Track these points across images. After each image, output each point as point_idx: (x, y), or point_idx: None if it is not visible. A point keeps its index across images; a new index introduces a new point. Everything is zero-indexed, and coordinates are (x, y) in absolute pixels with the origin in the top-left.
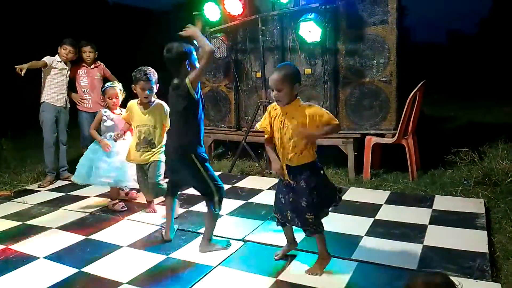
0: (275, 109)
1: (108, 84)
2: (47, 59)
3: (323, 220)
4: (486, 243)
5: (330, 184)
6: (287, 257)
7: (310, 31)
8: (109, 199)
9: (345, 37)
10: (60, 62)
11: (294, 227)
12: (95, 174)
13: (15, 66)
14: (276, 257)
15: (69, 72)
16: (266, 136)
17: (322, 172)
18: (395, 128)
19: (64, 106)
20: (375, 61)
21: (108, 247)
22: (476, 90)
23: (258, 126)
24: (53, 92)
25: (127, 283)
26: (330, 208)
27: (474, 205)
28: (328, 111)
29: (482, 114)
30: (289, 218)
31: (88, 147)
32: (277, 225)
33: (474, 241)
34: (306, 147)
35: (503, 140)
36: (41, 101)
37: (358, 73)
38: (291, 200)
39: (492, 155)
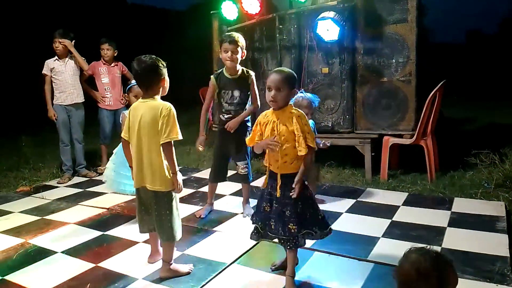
0: (266, 116)
1: (134, 81)
2: (45, 66)
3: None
4: (507, 247)
5: (318, 210)
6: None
7: (328, 29)
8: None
9: (363, 35)
10: (57, 60)
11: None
12: (123, 180)
13: (49, 116)
14: (272, 267)
15: (74, 65)
16: (250, 144)
17: (309, 191)
18: (413, 128)
19: (74, 103)
20: (394, 60)
21: (125, 243)
22: (497, 91)
23: (247, 143)
24: (58, 92)
25: (143, 278)
26: (312, 235)
27: (494, 208)
28: (311, 131)
29: (503, 116)
30: (272, 227)
31: (114, 151)
32: (251, 237)
33: (494, 244)
34: (297, 157)
35: None
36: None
37: (376, 72)
38: (274, 208)
39: None
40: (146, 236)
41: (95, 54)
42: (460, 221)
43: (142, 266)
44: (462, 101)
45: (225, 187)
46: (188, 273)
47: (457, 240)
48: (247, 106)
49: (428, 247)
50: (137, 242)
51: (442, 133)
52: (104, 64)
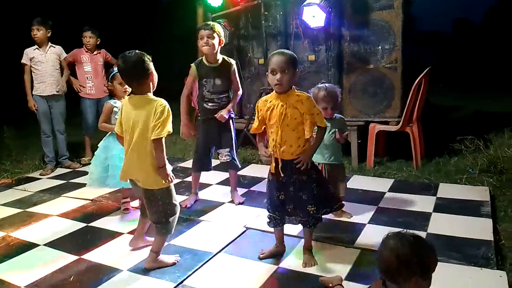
0: (269, 101)
1: (116, 68)
2: (24, 56)
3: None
4: (491, 231)
5: (329, 187)
6: (274, 257)
7: (314, 16)
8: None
9: (349, 22)
10: (37, 49)
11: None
12: (112, 176)
13: (29, 107)
14: (261, 255)
15: (54, 54)
16: (256, 131)
17: (319, 171)
18: (399, 115)
19: (54, 94)
20: (380, 47)
21: (109, 234)
22: (483, 80)
23: (252, 130)
24: (37, 83)
25: (127, 270)
26: (327, 213)
27: (479, 193)
28: (320, 112)
29: (488, 104)
30: (289, 211)
31: (99, 145)
32: (270, 225)
33: (479, 229)
34: (309, 139)
35: (510, 128)
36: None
37: (363, 59)
38: (290, 194)
39: (498, 143)
40: (131, 227)
41: (78, 42)
42: (445, 206)
43: (127, 257)
44: (449, 89)
45: (212, 176)
46: (174, 264)
47: (442, 225)
48: (230, 93)
49: (405, 231)
50: (122, 233)
51: (428, 121)
52: (86, 52)
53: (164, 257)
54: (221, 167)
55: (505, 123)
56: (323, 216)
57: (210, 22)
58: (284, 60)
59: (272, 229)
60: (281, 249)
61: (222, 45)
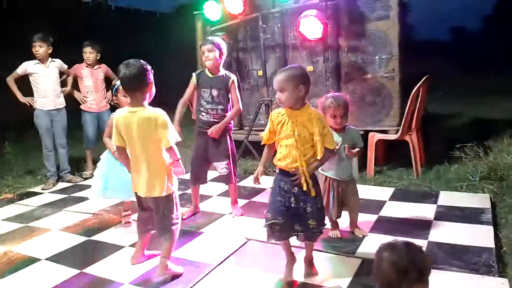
0: (282, 115)
1: (119, 81)
2: (21, 67)
3: None
4: (492, 238)
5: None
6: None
7: (311, 28)
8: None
9: (346, 33)
10: (38, 64)
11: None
12: (112, 188)
13: (24, 102)
14: (285, 281)
15: (56, 69)
16: (267, 143)
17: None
18: (398, 124)
19: (57, 108)
20: (377, 57)
21: (110, 248)
22: (481, 87)
23: (263, 140)
24: (39, 97)
25: (129, 283)
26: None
27: (479, 200)
28: (329, 133)
29: (487, 110)
30: (289, 224)
31: (101, 157)
32: (270, 238)
33: (480, 236)
34: (314, 156)
35: (509, 135)
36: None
37: (361, 69)
38: (293, 206)
39: (498, 150)
40: (132, 240)
41: (79, 57)
42: (446, 214)
43: (128, 271)
44: (447, 97)
45: (212, 188)
46: (181, 275)
47: (444, 233)
48: (228, 108)
49: (395, 239)
50: (123, 247)
51: (428, 129)
52: (87, 66)
53: (174, 266)
54: (221, 179)
55: (503, 129)
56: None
57: (211, 37)
58: (280, 79)
59: (273, 240)
60: (295, 261)
61: (224, 57)
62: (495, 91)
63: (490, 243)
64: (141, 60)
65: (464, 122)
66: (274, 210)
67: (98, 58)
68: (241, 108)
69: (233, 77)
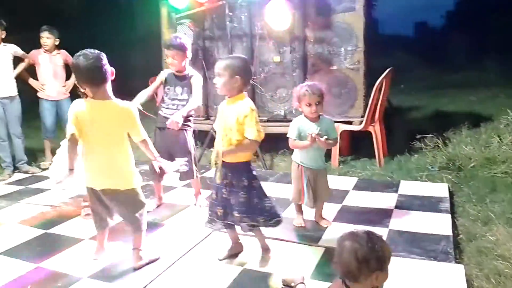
0: (224, 104)
1: None
2: None
3: None
4: (450, 226)
5: (264, 200)
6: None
7: (278, 18)
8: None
9: (313, 24)
10: None
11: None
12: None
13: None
14: (220, 258)
15: (6, 54)
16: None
17: (255, 182)
18: (362, 115)
19: (9, 96)
20: (342, 49)
21: (69, 241)
22: (442, 81)
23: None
24: None
25: (88, 277)
26: (254, 225)
27: (438, 190)
28: (258, 122)
29: (447, 103)
30: (219, 214)
31: (61, 143)
32: (206, 225)
33: (438, 224)
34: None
35: (467, 127)
36: None
37: (327, 60)
38: (220, 197)
39: (456, 141)
40: (92, 233)
41: (37, 43)
42: (406, 203)
43: (87, 264)
44: (410, 90)
45: (177, 179)
46: (158, 259)
47: (404, 221)
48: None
49: (356, 229)
50: (82, 239)
51: (390, 120)
52: (44, 52)
53: (147, 254)
54: (183, 176)
55: (462, 121)
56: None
57: (174, 41)
58: (219, 65)
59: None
60: (238, 248)
61: (189, 54)
62: (455, 85)
63: (447, 231)
64: (98, 52)
65: (425, 114)
66: (211, 202)
67: (57, 43)
68: (200, 103)
69: (196, 75)
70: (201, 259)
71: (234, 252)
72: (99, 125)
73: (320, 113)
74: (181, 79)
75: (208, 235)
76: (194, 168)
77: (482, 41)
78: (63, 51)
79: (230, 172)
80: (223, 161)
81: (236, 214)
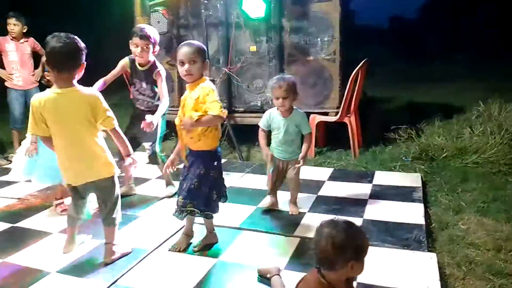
0: (187, 93)
1: None
2: None
3: None
4: (422, 215)
5: (213, 192)
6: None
7: (254, 6)
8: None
9: (289, 13)
10: None
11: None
12: (40, 167)
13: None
14: (194, 249)
15: None
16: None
17: (214, 172)
18: (338, 106)
19: None
20: (319, 39)
21: (37, 235)
22: (415, 73)
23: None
24: None
25: (56, 272)
26: (194, 213)
27: (411, 180)
28: (219, 100)
29: (420, 95)
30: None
31: (27, 135)
32: (174, 214)
33: (412, 213)
34: (203, 134)
35: (440, 118)
36: None
37: (303, 50)
38: (181, 181)
39: (429, 132)
40: (61, 226)
41: (4, 30)
42: (380, 193)
43: (55, 258)
44: (384, 81)
45: (150, 171)
46: (130, 253)
47: (377, 211)
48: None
49: (337, 218)
50: (51, 233)
51: (365, 112)
52: (11, 39)
53: (120, 247)
54: (152, 160)
55: (435, 112)
56: None
57: (147, 29)
58: (191, 50)
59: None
60: (188, 236)
61: (157, 47)
62: (429, 77)
63: (420, 220)
64: (75, 36)
65: (399, 106)
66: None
67: (24, 31)
68: (168, 100)
69: (160, 69)
70: (173, 252)
71: (208, 243)
72: (66, 114)
73: (294, 107)
74: (144, 73)
75: (182, 227)
76: (159, 153)
77: (456, 34)
78: (31, 39)
79: (193, 159)
80: (189, 149)
81: (179, 198)
